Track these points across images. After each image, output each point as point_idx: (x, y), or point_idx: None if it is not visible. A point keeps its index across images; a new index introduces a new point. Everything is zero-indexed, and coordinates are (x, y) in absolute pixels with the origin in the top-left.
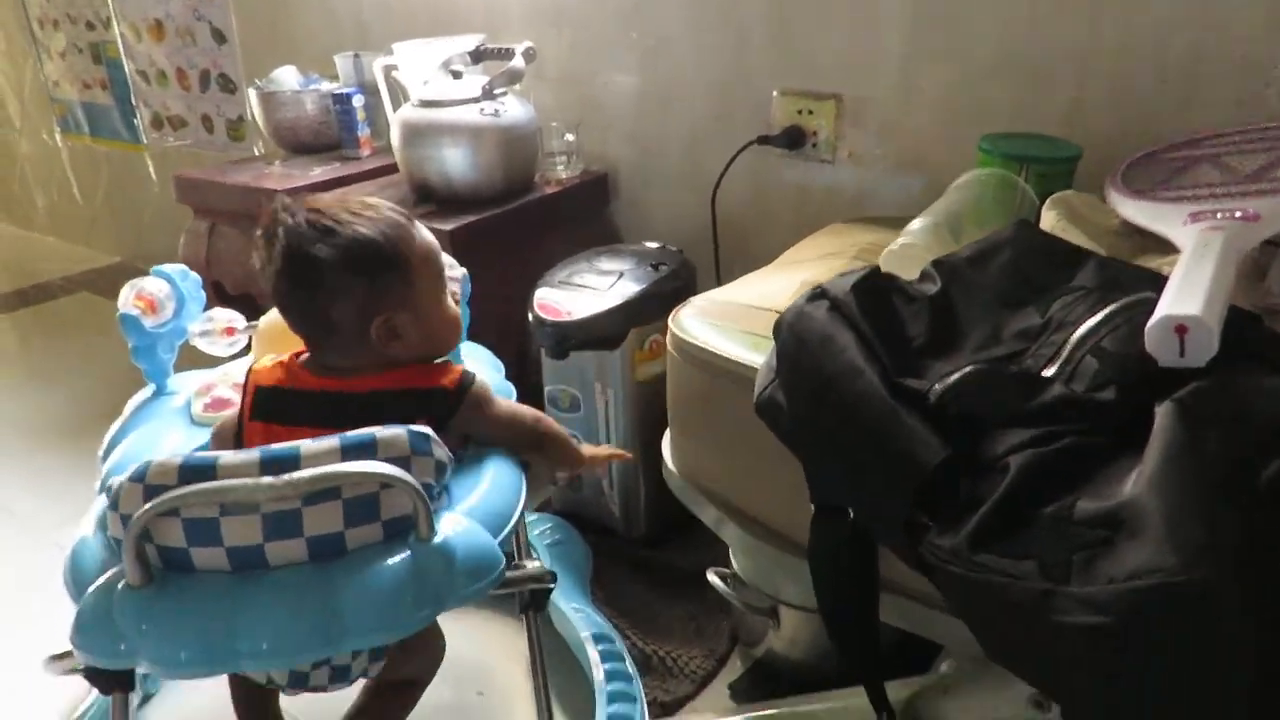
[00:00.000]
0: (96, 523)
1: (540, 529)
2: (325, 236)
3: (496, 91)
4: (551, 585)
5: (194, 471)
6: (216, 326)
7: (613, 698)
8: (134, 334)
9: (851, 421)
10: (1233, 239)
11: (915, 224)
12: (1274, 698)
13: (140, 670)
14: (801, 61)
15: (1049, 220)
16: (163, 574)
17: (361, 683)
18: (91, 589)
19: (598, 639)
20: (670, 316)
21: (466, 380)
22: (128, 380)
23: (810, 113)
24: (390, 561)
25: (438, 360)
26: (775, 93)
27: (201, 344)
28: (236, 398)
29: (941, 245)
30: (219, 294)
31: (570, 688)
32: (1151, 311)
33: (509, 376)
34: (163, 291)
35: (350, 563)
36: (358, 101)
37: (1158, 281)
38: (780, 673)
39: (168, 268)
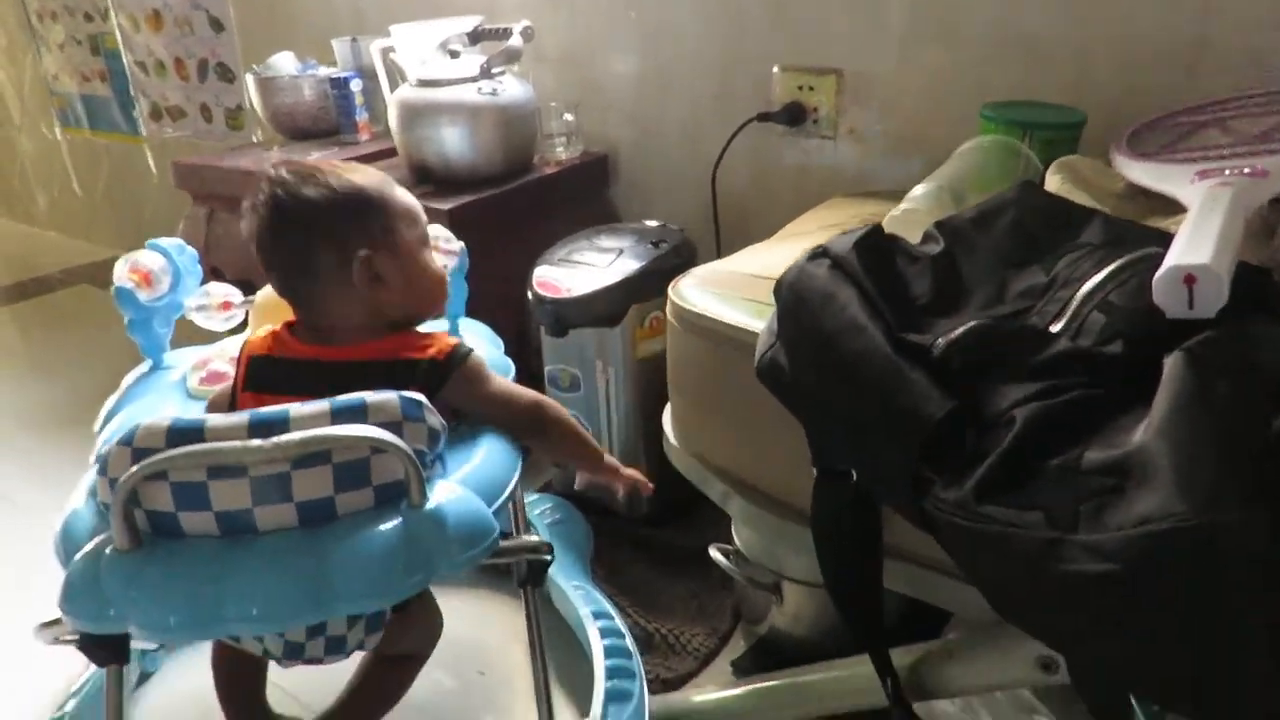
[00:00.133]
0: (87, 492)
1: (540, 509)
2: (308, 181)
3: (494, 71)
4: (548, 557)
5: (182, 434)
6: (213, 301)
7: (612, 673)
8: (129, 307)
9: (854, 378)
10: (1241, 194)
11: (918, 190)
12: None
13: (134, 645)
14: (802, 37)
15: (1053, 184)
16: (151, 539)
17: (359, 658)
18: (79, 554)
19: (597, 615)
20: (670, 286)
21: (459, 352)
22: (128, 371)
23: (811, 89)
24: (381, 527)
25: (426, 323)
26: (776, 69)
27: (198, 318)
28: (233, 371)
29: (944, 210)
30: (218, 280)
31: (571, 666)
32: (1159, 265)
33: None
34: (158, 265)
35: (340, 528)
36: (355, 86)
37: (1165, 239)
38: (783, 650)
39: (163, 241)
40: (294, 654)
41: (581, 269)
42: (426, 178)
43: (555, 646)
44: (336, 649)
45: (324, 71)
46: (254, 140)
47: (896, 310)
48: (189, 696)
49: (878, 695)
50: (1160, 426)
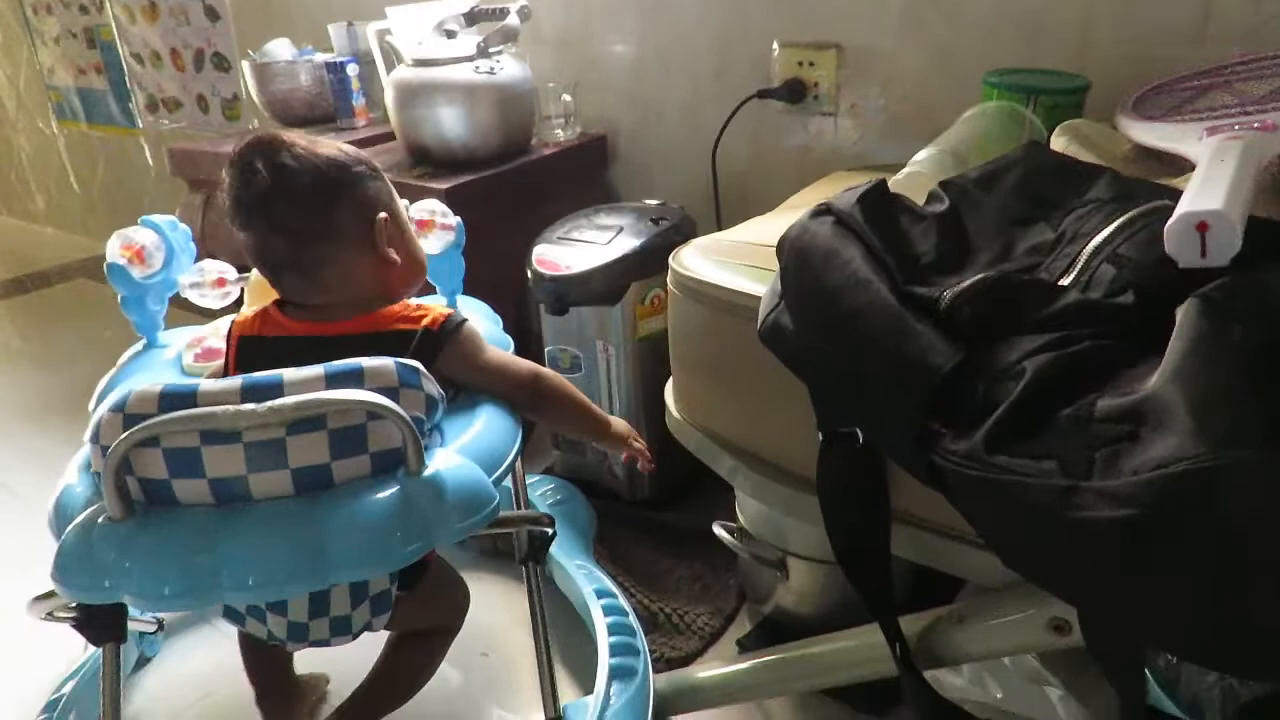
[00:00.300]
0: (80, 467)
1: (542, 489)
2: (314, 147)
3: (491, 50)
4: (550, 530)
5: (175, 399)
6: (207, 278)
7: (616, 650)
8: (122, 284)
9: (859, 333)
10: (1251, 146)
11: (921, 154)
12: None
13: (131, 626)
14: (802, 13)
15: (1058, 147)
16: (145, 508)
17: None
18: (72, 525)
19: (600, 594)
20: (671, 256)
21: (453, 321)
22: None
23: (811, 64)
24: (378, 495)
25: (418, 299)
26: (776, 44)
27: (192, 295)
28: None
29: (947, 174)
30: None
31: (574, 646)
32: (1169, 217)
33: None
34: (150, 241)
35: (337, 495)
36: (352, 70)
37: (1175, 195)
38: (789, 628)
39: (156, 218)
40: (298, 636)
41: (581, 246)
42: (424, 159)
43: (558, 626)
44: (342, 630)
45: (320, 57)
46: (251, 128)
47: (901, 267)
48: (187, 681)
49: (886, 664)
50: (1175, 371)
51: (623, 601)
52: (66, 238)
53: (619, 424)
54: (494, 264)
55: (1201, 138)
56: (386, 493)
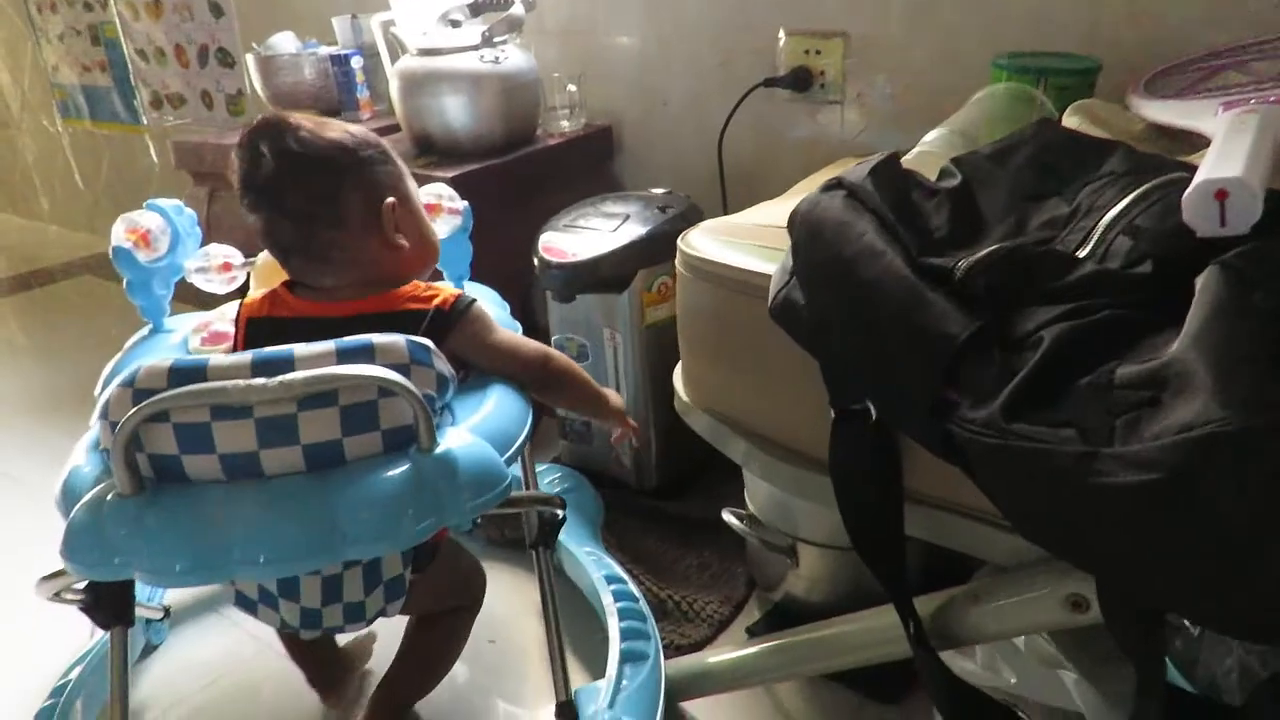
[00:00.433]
0: (88, 448)
1: (549, 478)
2: (322, 129)
3: (496, 39)
4: (560, 512)
5: (184, 374)
6: (213, 263)
7: (627, 634)
8: (127, 268)
9: (873, 303)
10: (1269, 117)
11: (931, 135)
12: None
13: (139, 612)
14: (808, 1)
15: (1070, 125)
16: (155, 484)
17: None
18: (81, 502)
19: (610, 579)
20: (680, 237)
21: (463, 301)
22: None
23: (818, 53)
24: (390, 472)
25: (428, 282)
26: (782, 32)
27: (198, 280)
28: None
29: (957, 154)
30: None
31: (583, 633)
32: (1187, 187)
33: None
34: (155, 225)
35: (349, 472)
36: (356, 63)
37: (1191, 170)
38: (799, 616)
39: (161, 202)
40: (311, 623)
41: (588, 234)
42: (429, 148)
43: (567, 614)
44: (355, 616)
45: (325, 50)
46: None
47: (914, 239)
48: (193, 669)
49: (899, 645)
50: (1197, 336)
51: (632, 587)
52: (71, 236)
53: (614, 397)
54: (498, 255)
55: (1218, 112)
56: (398, 470)
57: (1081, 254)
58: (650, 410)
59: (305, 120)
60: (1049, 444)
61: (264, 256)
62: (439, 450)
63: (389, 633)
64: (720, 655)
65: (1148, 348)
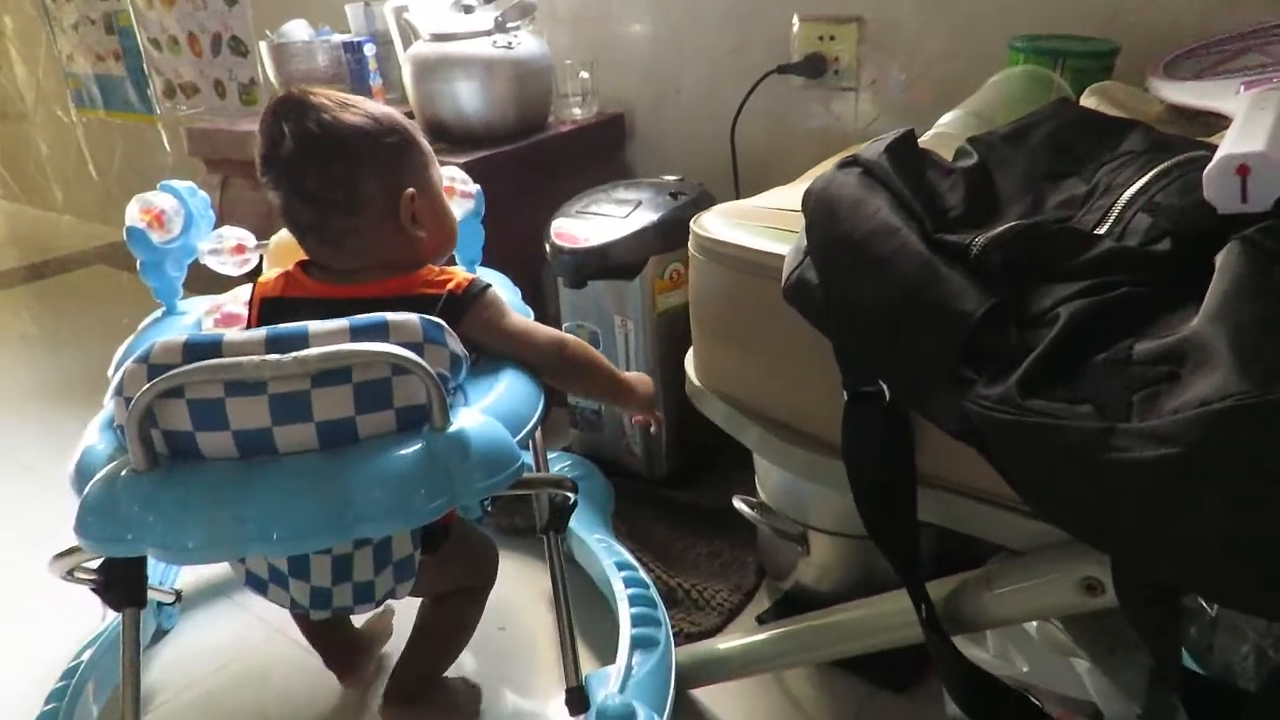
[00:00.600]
0: (101, 426)
1: (560, 466)
2: (347, 109)
3: (509, 25)
4: (572, 495)
5: (199, 350)
6: (226, 245)
7: (637, 620)
8: (141, 248)
9: (888, 280)
10: None
11: (947, 116)
12: None
13: (151, 595)
14: None
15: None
16: (169, 460)
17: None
18: (95, 478)
19: (621, 566)
20: (692, 221)
21: (477, 285)
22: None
23: (832, 39)
24: (403, 450)
25: (442, 265)
26: (796, 19)
27: (211, 262)
28: (246, 314)
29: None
30: None
31: (593, 620)
32: (1207, 165)
33: None
34: (169, 205)
35: (362, 449)
36: (369, 50)
37: (1211, 148)
38: (809, 605)
39: (175, 183)
40: (321, 603)
41: (600, 220)
42: (441, 134)
43: (577, 601)
44: (365, 597)
45: (338, 38)
46: None
47: (930, 217)
48: (204, 653)
49: (910, 630)
50: (1217, 310)
51: (643, 574)
52: (84, 225)
53: (643, 384)
54: (509, 241)
55: (1239, 92)
56: (411, 448)
57: (1100, 232)
58: (661, 396)
59: (330, 100)
60: (1065, 420)
61: (277, 238)
62: (452, 429)
63: (409, 614)
64: (731, 641)
65: (1166, 325)
